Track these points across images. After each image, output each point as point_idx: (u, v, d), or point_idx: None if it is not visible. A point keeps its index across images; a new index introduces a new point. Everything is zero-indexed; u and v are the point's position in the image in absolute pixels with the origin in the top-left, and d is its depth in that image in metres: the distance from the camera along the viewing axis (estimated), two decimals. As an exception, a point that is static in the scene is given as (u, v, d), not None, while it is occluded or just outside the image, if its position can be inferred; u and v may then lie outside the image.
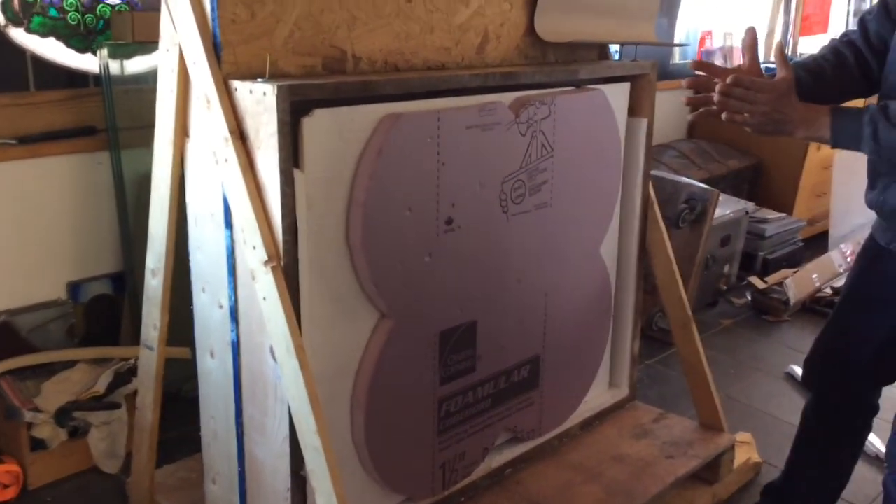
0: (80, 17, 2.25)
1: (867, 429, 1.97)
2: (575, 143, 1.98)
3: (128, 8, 2.32)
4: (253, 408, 1.64)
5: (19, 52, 2.17)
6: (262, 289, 1.49)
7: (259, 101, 1.44)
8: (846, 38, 1.76)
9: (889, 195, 1.63)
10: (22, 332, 2.25)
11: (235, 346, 1.64)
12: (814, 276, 3.76)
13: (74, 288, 2.39)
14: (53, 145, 2.24)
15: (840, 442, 1.97)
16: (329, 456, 1.46)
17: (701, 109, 1.64)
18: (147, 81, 2.37)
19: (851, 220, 4.33)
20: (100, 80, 2.29)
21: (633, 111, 2.19)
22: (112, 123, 2.27)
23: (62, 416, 2.11)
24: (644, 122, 2.19)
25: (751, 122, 1.57)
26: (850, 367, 1.84)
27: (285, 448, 1.58)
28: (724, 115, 1.60)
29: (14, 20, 2.15)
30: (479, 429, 1.94)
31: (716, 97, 1.59)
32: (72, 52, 2.27)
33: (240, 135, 1.49)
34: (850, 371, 1.85)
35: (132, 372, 2.25)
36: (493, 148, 1.79)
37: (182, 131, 1.64)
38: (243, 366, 1.64)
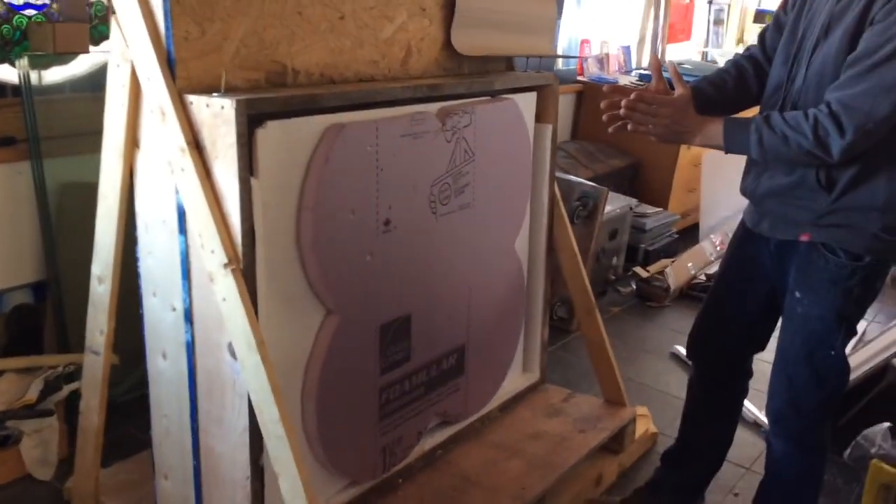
0: (-4, 27, 2.25)
1: (745, 392, 2.23)
2: (492, 147, 2.17)
3: (44, 19, 2.33)
4: (210, 403, 1.73)
5: (-64, 62, 2.16)
6: (222, 290, 1.58)
7: (217, 114, 1.54)
8: (748, 52, 2.03)
9: (761, 181, 1.87)
10: (-56, 344, 2.24)
11: (190, 346, 1.72)
12: (689, 264, 4.11)
13: (-5, 298, 2.39)
14: (-28, 156, 2.24)
15: (722, 404, 2.22)
16: (293, 443, 1.57)
17: (618, 123, 1.86)
18: (64, 90, 2.39)
19: (719, 212, 4.75)
20: (18, 91, 2.29)
21: (539, 118, 2.39)
22: (34, 133, 2.28)
23: (-5, 425, 2.11)
24: (549, 128, 2.40)
25: (654, 132, 1.80)
26: (726, 338, 2.10)
27: (245, 439, 1.68)
28: (629, 126, 1.82)
29: (-70, 30, 2.13)
30: (414, 414, 2.09)
31: (622, 111, 1.81)
32: (-12, 62, 2.26)
33: (196, 145, 1.58)
34: (726, 342, 2.11)
35: (62, 379, 2.27)
36: (423, 154, 1.94)
37: (132, 143, 1.71)
38: (198, 364, 1.73)
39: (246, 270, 1.59)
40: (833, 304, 1.80)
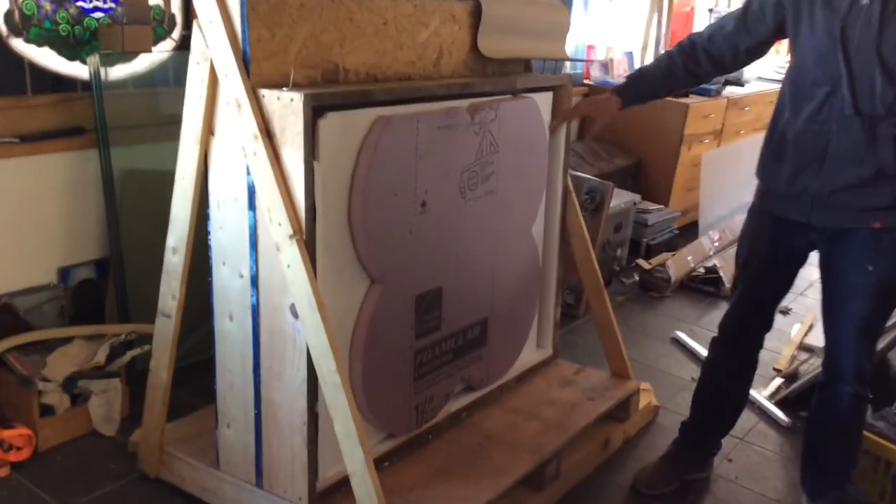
0: (70, 28, 2.50)
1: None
2: (514, 140, 2.42)
3: (110, 21, 2.58)
4: (271, 359, 1.98)
5: (19, 59, 2.41)
6: (287, 258, 1.84)
7: (286, 105, 1.80)
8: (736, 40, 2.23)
9: (827, 179, 2.05)
10: (20, 312, 2.48)
11: (255, 309, 1.98)
12: (689, 258, 4.37)
13: (64, 272, 2.63)
14: (48, 144, 2.48)
15: (745, 378, 2.47)
16: (346, 390, 1.83)
17: None
18: (126, 86, 2.65)
19: (716, 211, 5.00)
20: (88, 85, 2.54)
21: (554, 115, 2.65)
22: (102, 124, 2.53)
23: (69, 384, 2.36)
24: (563, 125, 2.65)
25: None
26: (761, 322, 2.38)
27: (303, 389, 1.93)
28: None
29: (15, 31, 2.38)
30: (443, 378, 2.34)
31: None
32: (62, 59, 2.51)
33: (267, 133, 1.83)
34: (759, 326, 2.38)
35: (125, 346, 2.52)
36: (455, 144, 2.20)
37: (208, 130, 1.96)
38: (262, 325, 1.98)
39: (308, 241, 1.84)
40: None
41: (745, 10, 2.20)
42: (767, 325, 2.40)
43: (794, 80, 2.13)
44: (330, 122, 1.86)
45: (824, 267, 2.21)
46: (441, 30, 2.31)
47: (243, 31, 1.82)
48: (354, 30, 2.05)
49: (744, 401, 2.55)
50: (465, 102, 2.25)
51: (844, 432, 2.28)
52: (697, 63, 2.28)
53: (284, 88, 1.82)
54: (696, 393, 2.56)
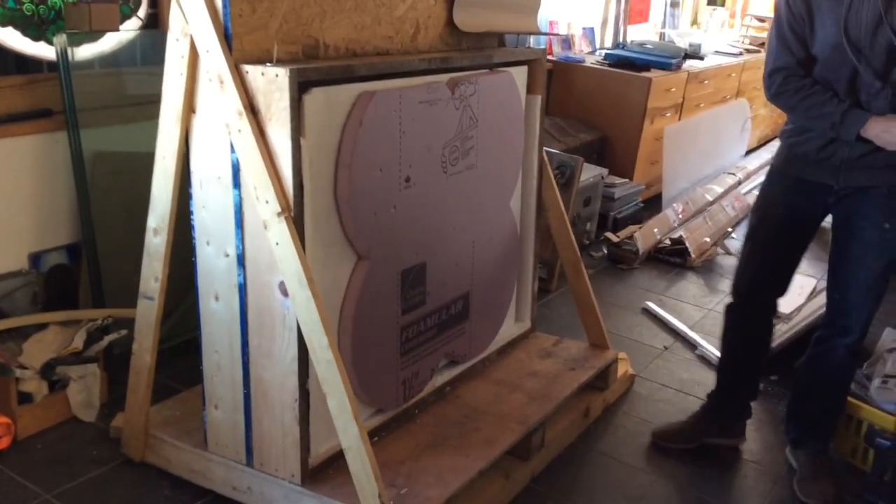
0: (34, 7, 2.44)
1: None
2: (492, 115, 2.43)
3: (76, 0, 2.52)
4: (260, 338, 1.97)
5: (-18, 40, 2.35)
6: (275, 235, 1.82)
7: (271, 81, 1.77)
8: (795, 59, 2.18)
9: (854, 144, 2.12)
10: (-8, 300, 2.43)
11: (242, 288, 1.96)
12: (655, 230, 4.43)
13: (35, 258, 2.58)
14: (15, 127, 2.42)
15: (762, 343, 2.55)
16: (339, 365, 1.83)
17: None
18: (93, 66, 2.59)
19: (679, 183, 5.07)
20: (55, 66, 2.48)
21: (529, 89, 2.66)
22: (71, 105, 2.47)
23: (47, 370, 2.32)
24: (538, 98, 2.67)
25: None
26: (776, 284, 2.43)
27: (294, 367, 1.93)
28: None
29: (-22, 11, 2.31)
30: (428, 353, 2.35)
31: None
32: (27, 40, 2.44)
33: (252, 109, 1.81)
34: (774, 288, 2.43)
35: (102, 331, 2.48)
36: (436, 119, 2.20)
37: (188, 108, 1.93)
38: (250, 303, 1.97)
39: (296, 218, 1.83)
40: None
41: (779, 27, 2.19)
42: (781, 288, 2.44)
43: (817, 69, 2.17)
44: (314, 98, 1.84)
45: (839, 226, 2.29)
46: (417, 4, 2.30)
47: (224, 6, 1.79)
48: (334, 4, 2.04)
49: (761, 363, 2.59)
50: (444, 77, 2.25)
51: (834, 385, 2.39)
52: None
53: (268, 64, 1.80)
54: (721, 360, 2.62)
